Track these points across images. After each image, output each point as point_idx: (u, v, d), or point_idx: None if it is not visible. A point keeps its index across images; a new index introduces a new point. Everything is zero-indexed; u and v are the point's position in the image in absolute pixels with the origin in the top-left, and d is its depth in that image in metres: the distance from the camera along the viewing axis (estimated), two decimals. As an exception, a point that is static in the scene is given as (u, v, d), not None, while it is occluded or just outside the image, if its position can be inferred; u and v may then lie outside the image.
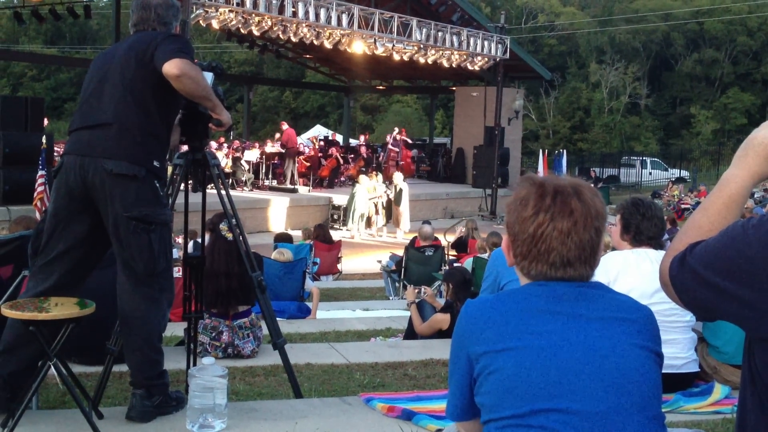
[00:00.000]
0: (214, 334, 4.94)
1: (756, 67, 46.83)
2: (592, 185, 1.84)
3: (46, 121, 19.37)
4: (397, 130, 25.63)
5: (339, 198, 18.93)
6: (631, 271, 3.94)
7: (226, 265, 4.93)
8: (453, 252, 11.67)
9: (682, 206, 22.82)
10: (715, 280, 1.49)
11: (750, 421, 1.59)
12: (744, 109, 45.30)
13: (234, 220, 3.97)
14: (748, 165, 1.60)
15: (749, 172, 1.60)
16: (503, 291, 4.11)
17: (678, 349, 3.98)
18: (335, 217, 18.58)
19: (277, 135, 23.01)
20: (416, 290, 6.53)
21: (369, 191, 17.82)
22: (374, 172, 19.67)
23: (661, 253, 4.05)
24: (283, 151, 20.84)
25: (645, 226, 4.05)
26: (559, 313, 1.70)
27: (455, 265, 9.39)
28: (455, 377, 1.79)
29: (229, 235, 4.80)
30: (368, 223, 18.02)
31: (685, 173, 36.95)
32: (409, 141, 26.12)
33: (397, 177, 18.23)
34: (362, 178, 18.15)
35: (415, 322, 6.02)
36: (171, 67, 3.17)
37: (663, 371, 1.80)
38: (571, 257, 1.72)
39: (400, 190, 17.77)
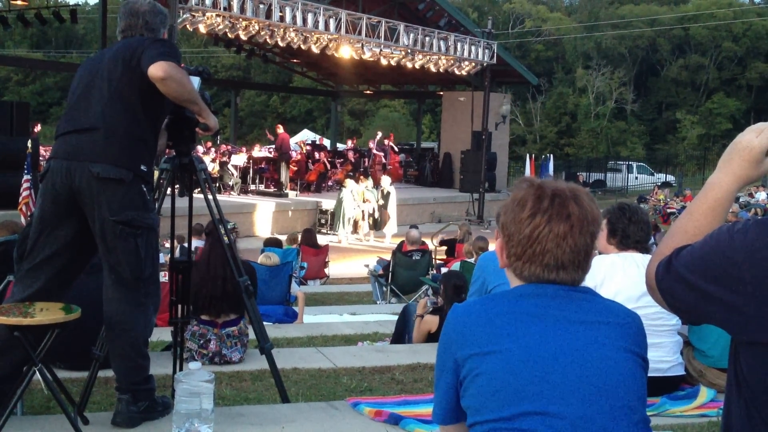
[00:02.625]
0: (201, 342, 4.91)
1: (741, 72, 47.21)
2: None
3: (39, 127, 19.28)
4: (380, 134, 25.62)
5: (326, 202, 18.90)
6: (618, 275, 3.96)
7: (224, 268, 4.92)
8: (441, 256, 11.69)
9: (668, 210, 22.93)
10: (701, 283, 1.50)
11: (735, 424, 1.59)
12: (729, 114, 45.64)
13: (225, 225, 3.96)
14: (733, 169, 1.61)
15: (734, 176, 1.61)
16: (490, 294, 4.13)
17: (664, 353, 4.00)
18: (323, 221, 18.56)
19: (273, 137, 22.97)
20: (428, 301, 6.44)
21: (359, 195, 17.81)
22: (362, 177, 19.63)
23: (647, 257, 4.07)
24: (271, 155, 20.79)
25: (631, 231, 4.07)
26: (546, 317, 1.71)
27: (443, 269, 9.41)
28: (442, 380, 1.79)
29: (225, 239, 4.80)
30: (355, 227, 18.01)
31: (670, 178, 37.18)
32: (396, 148, 26.12)
33: (385, 181, 18.25)
34: (348, 182, 18.12)
35: (415, 334, 5.96)
36: (156, 70, 3.17)
37: (649, 375, 1.80)
38: (566, 260, 1.73)
39: (388, 193, 17.80)
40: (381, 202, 18.04)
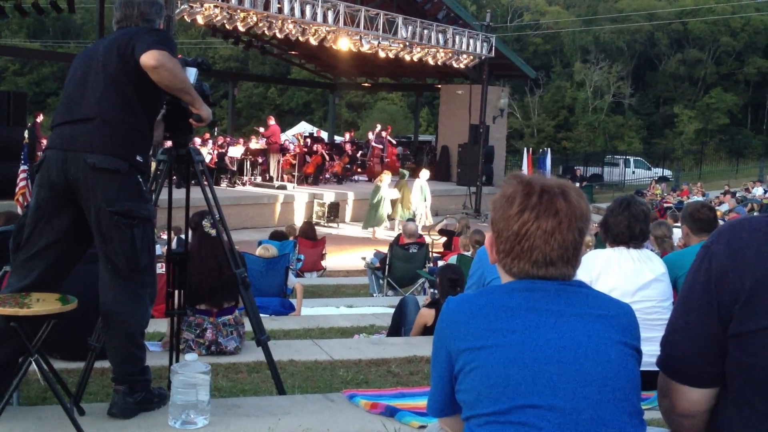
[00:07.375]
0: (198, 332, 4.92)
1: (739, 67, 47.17)
2: (578, 186, 1.86)
3: (41, 117, 19.21)
4: (379, 126, 25.57)
5: (324, 195, 18.89)
6: (613, 270, 3.95)
7: (217, 260, 4.92)
8: (438, 249, 11.70)
9: (665, 205, 22.92)
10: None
11: (726, 417, 1.62)
12: (726, 109, 45.63)
13: (218, 217, 3.95)
14: None
15: None
16: (484, 288, 4.13)
17: (658, 347, 4.00)
18: (320, 213, 18.55)
19: (262, 129, 22.76)
20: None
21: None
22: (386, 170, 19.22)
23: (644, 251, 4.07)
24: (266, 147, 20.77)
25: (625, 226, 4.05)
26: (539, 310, 1.72)
27: (440, 262, 9.42)
28: (436, 373, 1.80)
29: (212, 232, 4.79)
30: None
31: (668, 172, 37.21)
32: (393, 141, 26.07)
33: (424, 174, 18.56)
34: (384, 177, 17.59)
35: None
36: (148, 58, 3.16)
37: (644, 369, 1.83)
38: (554, 256, 1.74)
39: (421, 186, 18.02)
40: (418, 193, 18.13)
